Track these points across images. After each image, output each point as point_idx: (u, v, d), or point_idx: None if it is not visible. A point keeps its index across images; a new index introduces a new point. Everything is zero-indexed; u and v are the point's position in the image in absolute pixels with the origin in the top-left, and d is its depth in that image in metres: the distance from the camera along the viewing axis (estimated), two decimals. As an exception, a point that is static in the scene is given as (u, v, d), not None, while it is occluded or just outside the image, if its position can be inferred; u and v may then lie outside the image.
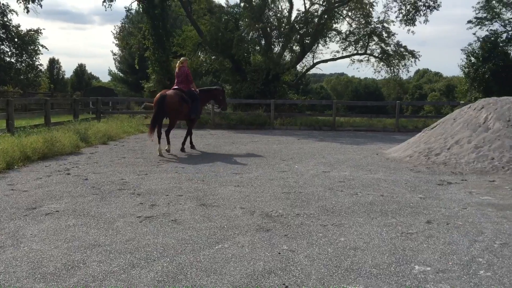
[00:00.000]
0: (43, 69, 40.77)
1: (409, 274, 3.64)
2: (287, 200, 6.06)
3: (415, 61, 24.99)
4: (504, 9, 29.71)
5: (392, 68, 25.51)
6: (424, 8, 23.86)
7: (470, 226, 4.91)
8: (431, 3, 23.65)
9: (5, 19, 34.34)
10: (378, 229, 4.80)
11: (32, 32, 35.78)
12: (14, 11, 36.61)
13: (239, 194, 6.39)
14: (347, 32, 25.40)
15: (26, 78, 36.70)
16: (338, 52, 26.30)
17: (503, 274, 3.65)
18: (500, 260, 3.94)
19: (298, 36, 23.82)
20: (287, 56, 25.43)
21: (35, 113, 16.41)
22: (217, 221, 5.04)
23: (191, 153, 10.84)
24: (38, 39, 36.30)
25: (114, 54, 50.92)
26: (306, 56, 25.63)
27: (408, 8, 24.04)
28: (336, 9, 23.97)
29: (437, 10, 24.00)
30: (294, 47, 24.75)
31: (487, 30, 30.21)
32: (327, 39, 25.46)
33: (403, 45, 24.76)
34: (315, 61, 26.69)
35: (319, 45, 25.64)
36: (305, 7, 24.13)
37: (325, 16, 23.32)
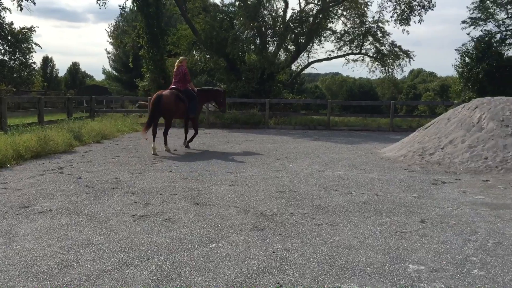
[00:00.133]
0: (36, 67, 40.55)
1: (403, 273, 3.64)
2: (282, 199, 6.05)
3: (409, 61, 25.14)
4: (498, 10, 29.84)
5: (386, 67, 25.61)
6: (418, 8, 24.00)
7: (464, 225, 4.92)
8: (426, 3, 23.79)
9: (-2, 17, 34.13)
10: (372, 228, 4.81)
11: (26, 30, 35.55)
12: (7, 8, 36.47)
13: (234, 193, 6.38)
14: (342, 32, 25.49)
15: (20, 76, 36.47)
16: (333, 51, 26.41)
17: (496, 273, 3.66)
18: (493, 259, 3.95)
19: (293, 36, 23.83)
20: (282, 55, 25.46)
21: (29, 112, 16.32)
22: (211, 220, 5.03)
23: (185, 152, 10.82)
24: (32, 37, 36.10)
25: (108, 53, 50.82)
26: (301, 56, 25.68)
27: (402, 8, 24.14)
28: (331, 9, 24.01)
29: (432, 10, 24.15)
30: (289, 46, 24.76)
31: (481, 30, 30.34)
32: (322, 39, 25.51)
33: (397, 45, 24.91)
34: (310, 60, 26.77)
35: (314, 44, 25.70)
36: (300, 6, 24.20)
37: (320, 16, 23.34)
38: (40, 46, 37.07)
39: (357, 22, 24.87)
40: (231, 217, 5.14)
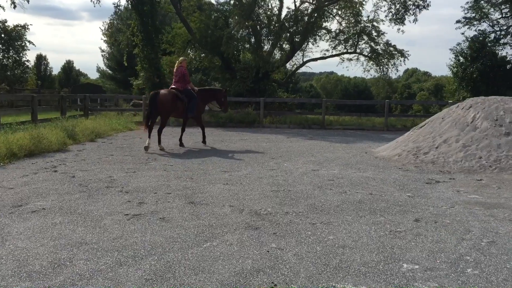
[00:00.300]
0: (30, 65, 40.30)
1: (397, 272, 3.65)
2: (276, 198, 6.05)
3: (404, 60, 25.18)
4: (492, 10, 29.95)
5: (381, 67, 25.66)
6: (413, 7, 24.06)
7: (457, 225, 4.94)
8: (421, 2, 23.87)
9: (-8, 14, 33.95)
10: (366, 227, 4.81)
11: (19, 28, 35.31)
12: (0, 6, 36.20)
13: (228, 192, 6.37)
14: (337, 31, 25.50)
15: (13, 74, 36.23)
16: (327, 50, 26.43)
17: (490, 272, 3.67)
18: (487, 258, 3.96)
19: (288, 34, 23.81)
20: (277, 54, 25.45)
21: (22, 110, 16.18)
22: (206, 219, 5.01)
23: (179, 150, 10.80)
24: (25, 35, 35.86)
25: (103, 51, 50.70)
26: (296, 55, 25.68)
27: (397, 7, 24.19)
28: (326, 8, 24.01)
29: (427, 9, 24.21)
30: (284, 45, 24.76)
31: (476, 30, 30.45)
32: (317, 38, 25.53)
33: (392, 44, 24.95)
34: (305, 59, 26.78)
35: (309, 43, 25.74)
36: (295, 5, 24.17)
37: (315, 15, 23.35)
38: (33, 44, 36.78)
39: (352, 21, 24.90)
40: (225, 216, 5.12)
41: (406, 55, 24.85)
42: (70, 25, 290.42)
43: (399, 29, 25.21)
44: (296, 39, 24.19)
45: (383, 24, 31.43)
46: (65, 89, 41.29)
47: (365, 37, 25.10)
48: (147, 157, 9.55)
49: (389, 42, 24.91)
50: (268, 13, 23.90)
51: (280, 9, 24.09)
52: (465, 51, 29.15)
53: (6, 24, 34.75)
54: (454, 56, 29.96)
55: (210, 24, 22.73)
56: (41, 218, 4.92)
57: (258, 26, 23.08)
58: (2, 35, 34.51)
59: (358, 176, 7.80)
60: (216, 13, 24.06)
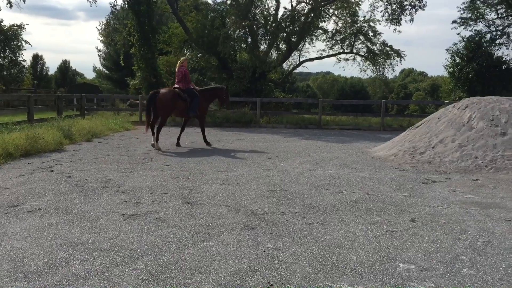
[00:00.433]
0: (26, 65, 40.14)
1: (393, 272, 3.65)
2: (273, 198, 6.05)
3: (400, 60, 25.23)
4: (488, 10, 30.04)
5: (377, 67, 25.71)
6: (409, 7, 24.10)
7: (453, 224, 4.95)
8: (417, 2, 23.91)
9: (-12, 14, 33.79)
10: (363, 227, 4.82)
11: (15, 27, 35.18)
12: (-3, 5, 36.02)
13: (225, 192, 6.36)
14: (334, 31, 25.54)
15: (9, 74, 36.09)
16: (324, 50, 26.46)
17: (486, 272, 3.68)
18: (483, 258, 3.97)
19: (285, 34, 23.83)
20: (274, 54, 25.46)
21: (18, 110, 16.15)
22: (202, 219, 5.01)
23: (176, 150, 10.79)
24: (22, 35, 35.71)
25: (99, 51, 50.55)
26: (292, 55, 25.71)
27: (394, 7, 24.23)
28: (322, 8, 24.05)
29: (423, 9, 24.26)
30: (280, 45, 24.76)
31: (472, 30, 30.52)
32: (314, 38, 25.57)
33: (388, 44, 24.99)
34: (301, 59, 26.82)
35: (306, 43, 25.78)
36: (291, 5, 24.21)
37: (312, 15, 23.37)
38: (30, 44, 36.85)
39: (349, 21, 24.94)
40: (222, 216, 5.12)
41: (403, 55, 24.92)
42: (66, 24, 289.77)
43: (396, 29, 25.27)
44: (293, 39, 24.21)
45: (380, 24, 31.60)
46: (61, 89, 41.23)
47: (362, 37, 25.15)
48: (144, 157, 9.54)
49: (386, 42, 25.00)
50: (265, 13, 23.92)
51: (276, 9, 24.13)
52: (461, 51, 29.22)
53: (2, 24, 34.65)
54: (450, 56, 30.04)
55: (207, 24, 22.72)
56: (37, 218, 4.91)
57: (254, 26, 23.08)
58: (-2, 35, 34.39)
59: (354, 176, 7.81)
60: (213, 13, 24.05)
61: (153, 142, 11.02)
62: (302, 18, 23.52)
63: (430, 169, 8.54)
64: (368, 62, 25.90)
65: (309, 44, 26.51)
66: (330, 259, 3.89)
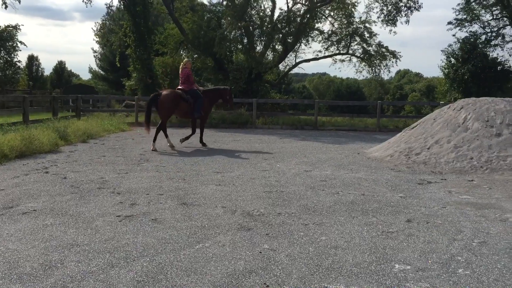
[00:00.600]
0: (21, 66, 40.06)
1: (389, 272, 3.66)
2: (269, 199, 6.04)
3: (396, 61, 25.29)
4: (483, 11, 30.17)
5: (373, 68, 25.75)
6: (405, 9, 24.17)
7: (449, 225, 4.96)
8: (412, 4, 23.97)
9: (-17, 15, 33.68)
10: (359, 228, 4.82)
11: (11, 28, 35.07)
12: (-9, 6, 35.89)
13: (221, 193, 6.36)
14: (330, 32, 25.56)
15: (4, 75, 35.97)
16: (320, 51, 26.49)
17: (481, 273, 3.69)
18: (478, 259, 3.98)
19: (281, 35, 23.84)
20: (270, 55, 25.48)
21: (13, 111, 16.07)
22: (198, 220, 5.00)
23: (171, 152, 10.77)
24: (17, 36, 35.65)
25: (95, 52, 50.42)
26: (288, 56, 25.72)
27: (389, 8, 24.29)
28: (318, 9, 24.08)
29: (418, 11, 24.33)
30: (276, 46, 24.78)
31: (467, 32, 30.65)
32: (310, 39, 25.58)
33: (384, 45, 25.03)
34: (297, 60, 26.83)
35: (302, 44, 25.77)
36: (287, 6, 24.22)
37: (308, 16, 23.39)
38: (25, 45, 36.78)
39: (345, 22, 24.99)
40: (218, 217, 5.12)
41: (398, 56, 24.98)
42: (62, 25, 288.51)
43: (391, 30, 25.42)
44: (289, 40, 24.23)
45: (375, 25, 31.64)
46: (57, 90, 41.09)
47: (358, 38, 25.18)
48: (139, 158, 9.52)
49: (381, 43, 25.05)
50: (261, 14, 23.92)
51: (272, 10, 24.13)
52: (457, 53, 29.34)
53: (-3, 24, 34.54)
54: (445, 58, 30.17)
55: (203, 25, 22.71)
56: (32, 220, 4.89)
57: (250, 27, 23.09)
58: (-7, 36, 34.28)
59: (350, 177, 7.81)
60: (209, 14, 24.04)
61: (168, 144, 11.39)
62: (298, 19, 23.53)
63: (426, 170, 8.56)
64: (364, 63, 25.94)
65: (305, 45, 26.54)
66: (326, 260, 3.89)
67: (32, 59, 57.40)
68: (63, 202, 5.67)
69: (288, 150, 11.37)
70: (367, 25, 24.83)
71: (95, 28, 55.85)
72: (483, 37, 30.33)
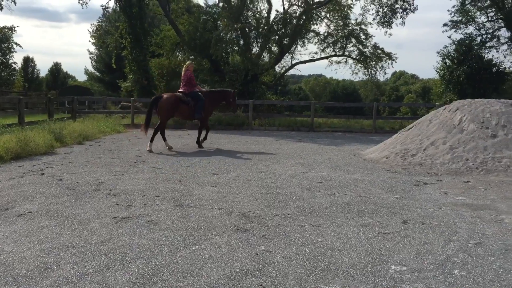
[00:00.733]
0: (17, 68, 39.98)
1: (385, 274, 3.66)
2: (265, 200, 6.04)
3: (392, 63, 25.32)
4: (478, 13, 30.27)
5: (369, 69, 25.79)
6: (401, 10, 24.20)
7: (445, 226, 4.97)
8: (408, 6, 24.02)
9: (-22, 16, 33.58)
10: (355, 229, 4.83)
11: (6, 30, 34.98)
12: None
13: (217, 194, 6.35)
14: (325, 34, 25.59)
15: (0, 77, 35.90)
16: (316, 53, 26.52)
17: (477, 273, 3.70)
18: (474, 260, 3.99)
19: (277, 37, 23.84)
20: (266, 56, 25.47)
21: (9, 112, 16.05)
22: (194, 222, 5.00)
23: (168, 153, 10.76)
24: (12, 37, 35.57)
25: (91, 53, 50.29)
26: (284, 57, 25.73)
27: (385, 10, 24.33)
28: (314, 11, 24.10)
29: (414, 13, 24.37)
30: (272, 47, 24.77)
31: (462, 33, 30.72)
32: (306, 40, 25.59)
33: (380, 47, 25.09)
34: (293, 62, 26.85)
35: (298, 46, 25.79)
36: (283, 8, 24.21)
37: (304, 17, 23.41)
38: (21, 46, 36.68)
39: (340, 24, 25.02)
40: (214, 219, 5.11)
41: (394, 58, 25.02)
42: (57, 27, 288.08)
43: (387, 32, 25.51)
44: (285, 42, 24.24)
45: (371, 27, 31.81)
46: (52, 92, 40.95)
47: (353, 40, 25.23)
48: (135, 160, 9.50)
49: (377, 45, 25.09)
50: (257, 15, 23.91)
51: (268, 12, 24.14)
52: (452, 54, 29.42)
53: (-7, 26, 34.43)
54: (441, 59, 30.24)
55: (199, 27, 22.69)
56: (28, 222, 4.87)
57: (246, 29, 23.08)
58: (-11, 37, 34.18)
59: (346, 178, 7.83)
60: (205, 16, 24.01)
61: (167, 146, 11.39)
62: (294, 21, 23.55)
63: (422, 171, 8.58)
64: (359, 65, 25.99)
65: (301, 47, 26.58)
66: (322, 261, 3.90)
67: (27, 61, 57.30)
68: (58, 204, 5.65)
69: (284, 152, 11.38)
70: (363, 27, 24.89)
71: (91, 30, 55.80)
72: (478, 38, 30.43)
